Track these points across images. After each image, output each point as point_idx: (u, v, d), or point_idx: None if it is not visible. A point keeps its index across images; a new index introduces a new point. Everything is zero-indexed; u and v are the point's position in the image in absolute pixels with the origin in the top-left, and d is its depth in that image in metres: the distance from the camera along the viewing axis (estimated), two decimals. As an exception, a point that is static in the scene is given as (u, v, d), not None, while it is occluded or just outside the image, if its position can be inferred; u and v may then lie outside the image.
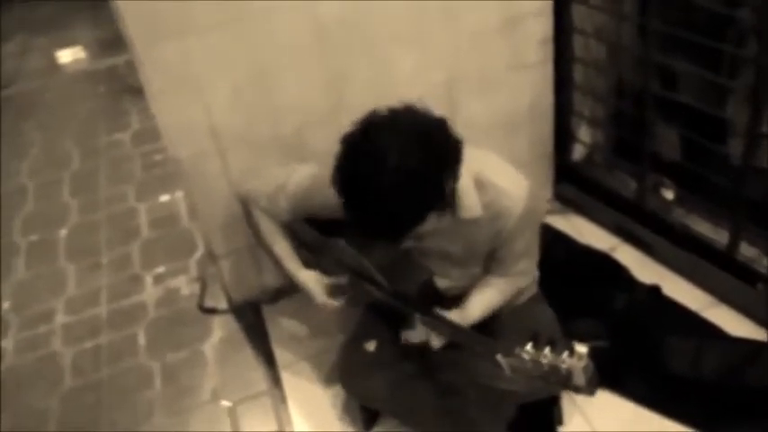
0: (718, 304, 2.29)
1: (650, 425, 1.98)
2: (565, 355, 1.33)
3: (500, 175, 1.64)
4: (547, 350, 1.36)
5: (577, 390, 1.36)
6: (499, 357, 1.45)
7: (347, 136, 1.42)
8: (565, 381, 1.34)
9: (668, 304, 2.30)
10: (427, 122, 1.44)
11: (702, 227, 2.36)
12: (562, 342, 1.36)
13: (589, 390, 1.35)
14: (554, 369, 1.34)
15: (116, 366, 2.53)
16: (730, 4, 2.05)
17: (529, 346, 1.39)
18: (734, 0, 2.05)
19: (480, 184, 1.61)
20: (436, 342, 1.73)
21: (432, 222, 1.57)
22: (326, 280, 1.94)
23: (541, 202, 1.75)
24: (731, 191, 2.13)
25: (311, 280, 1.95)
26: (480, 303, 1.78)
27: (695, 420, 1.95)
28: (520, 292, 1.87)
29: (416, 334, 1.74)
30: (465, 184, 1.59)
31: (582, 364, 1.31)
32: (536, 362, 1.37)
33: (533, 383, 1.54)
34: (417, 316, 1.71)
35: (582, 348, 1.32)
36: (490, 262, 1.78)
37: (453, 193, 1.57)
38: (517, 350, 1.41)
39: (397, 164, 1.34)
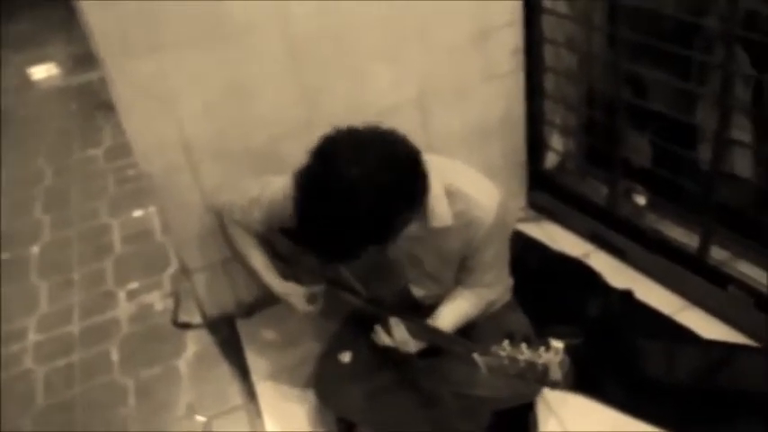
0: (690, 307, 2.31)
1: (626, 429, 1.98)
2: (541, 350, 1.33)
3: (471, 184, 1.66)
4: (523, 346, 1.36)
5: (554, 385, 1.37)
6: (476, 356, 1.45)
7: (311, 162, 1.44)
8: (542, 376, 1.35)
9: (641, 308, 2.32)
10: (392, 148, 1.45)
11: (674, 231, 2.38)
12: (537, 340, 1.37)
13: (566, 384, 1.36)
14: (531, 365, 1.35)
15: (89, 383, 2.50)
16: (697, 12, 2.08)
17: (505, 344, 1.39)
18: (700, 9, 2.08)
19: (451, 194, 1.63)
20: (412, 346, 1.72)
21: (406, 230, 1.59)
22: (303, 290, 1.94)
23: (511, 213, 1.75)
24: (701, 196, 2.15)
25: (291, 291, 1.95)
26: (451, 314, 1.78)
27: (671, 423, 1.96)
28: (491, 304, 1.87)
29: (393, 338, 1.73)
30: (436, 193, 1.61)
31: (558, 358, 1.32)
32: (513, 358, 1.38)
33: (510, 386, 1.55)
34: (395, 318, 1.70)
35: (558, 343, 1.33)
36: (461, 272, 1.79)
37: (424, 202, 1.59)
38: (494, 348, 1.42)
39: (358, 198, 1.37)
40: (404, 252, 1.77)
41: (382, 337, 1.74)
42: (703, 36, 2.11)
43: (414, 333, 1.71)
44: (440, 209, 1.62)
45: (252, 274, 2.00)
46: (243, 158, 2.20)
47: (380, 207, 1.39)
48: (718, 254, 2.25)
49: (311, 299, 1.94)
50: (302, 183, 1.43)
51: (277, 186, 1.83)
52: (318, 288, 1.93)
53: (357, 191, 1.36)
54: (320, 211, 1.40)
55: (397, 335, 1.70)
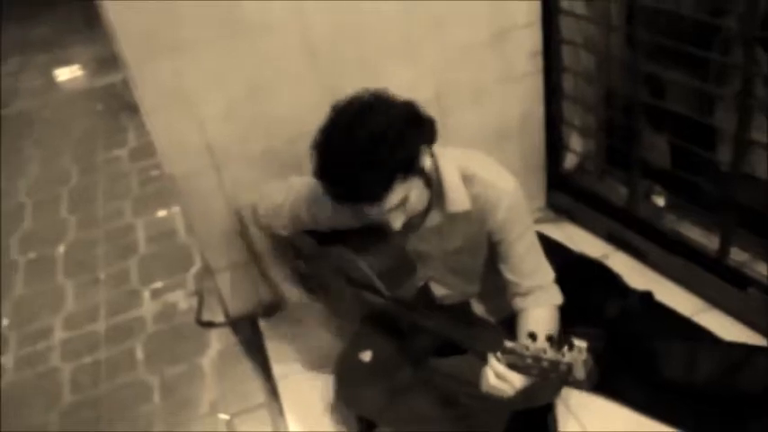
0: (709, 309, 2.31)
1: (645, 430, 1.98)
2: (565, 349, 1.34)
3: (486, 169, 1.69)
4: (547, 345, 1.37)
5: (578, 384, 1.37)
6: (499, 356, 1.46)
7: (320, 126, 1.54)
8: (565, 376, 1.34)
9: (661, 310, 2.31)
10: (388, 98, 1.55)
11: (693, 233, 2.38)
12: (559, 338, 1.37)
13: (589, 384, 1.36)
14: (554, 364, 1.34)
15: (115, 381, 2.55)
16: (716, 13, 2.08)
17: (528, 342, 1.40)
18: (719, 9, 2.08)
19: (467, 179, 1.66)
20: (517, 382, 1.51)
21: (427, 220, 1.68)
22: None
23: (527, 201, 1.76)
24: (721, 197, 2.15)
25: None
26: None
27: (690, 425, 1.96)
28: (557, 309, 1.76)
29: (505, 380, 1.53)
30: (452, 178, 1.65)
31: (582, 357, 1.31)
32: (536, 357, 1.37)
33: (529, 388, 1.55)
34: (492, 357, 1.50)
35: (581, 342, 1.32)
36: (499, 264, 1.77)
37: (441, 187, 1.64)
38: (518, 348, 1.42)
39: (360, 129, 1.46)
40: (425, 244, 1.79)
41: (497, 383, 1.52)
42: (722, 37, 2.10)
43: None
44: (457, 194, 1.66)
45: (267, 279, 2.04)
46: (264, 159, 2.23)
47: (390, 130, 1.47)
48: (737, 255, 2.23)
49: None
50: (326, 127, 1.53)
51: (300, 187, 1.87)
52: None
53: (375, 124, 1.47)
54: (345, 147, 1.47)
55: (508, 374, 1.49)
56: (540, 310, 1.73)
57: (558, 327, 1.73)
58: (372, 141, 1.45)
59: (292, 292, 2.08)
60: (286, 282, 2.06)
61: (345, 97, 1.55)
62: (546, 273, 1.77)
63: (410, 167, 1.52)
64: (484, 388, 1.52)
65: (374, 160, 1.45)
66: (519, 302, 1.74)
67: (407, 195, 1.54)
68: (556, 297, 1.76)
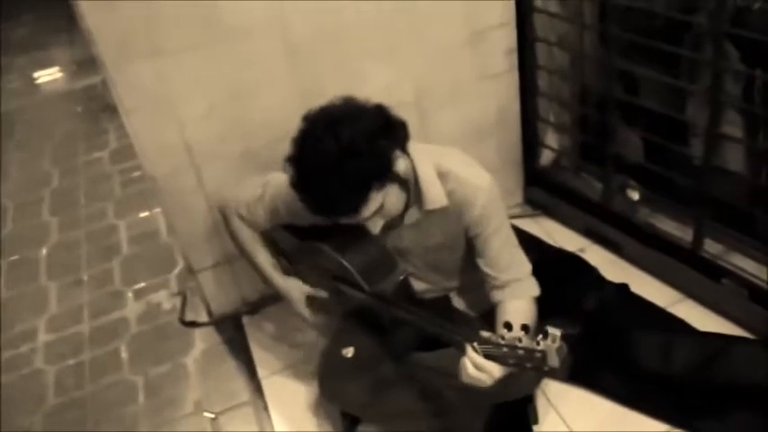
0: (684, 300, 2.35)
1: (625, 421, 2.02)
2: (539, 337, 1.35)
3: (461, 165, 1.71)
4: (522, 334, 1.38)
5: (552, 373, 1.37)
6: (475, 345, 1.47)
7: (293, 137, 1.54)
8: (540, 364, 1.35)
9: (637, 301, 2.35)
10: (358, 106, 1.55)
11: (668, 226, 2.41)
12: (535, 328, 1.40)
13: (563, 372, 1.36)
14: (529, 352, 1.35)
15: (99, 382, 2.55)
16: (686, 10, 2.11)
17: (504, 332, 1.42)
18: (690, 6, 2.11)
19: (442, 175, 1.68)
20: (495, 371, 1.51)
21: (406, 217, 1.69)
22: (307, 289, 1.99)
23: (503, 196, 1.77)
24: (694, 190, 2.19)
25: (292, 289, 2.00)
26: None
27: (668, 415, 2.00)
28: (535, 301, 1.78)
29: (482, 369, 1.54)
30: (428, 175, 1.67)
31: (556, 345, 1.32)
32: (511, 346, 1.38)
33: (510, 378, 1.58)
34: (470, 346, 1.51)
35: (555, 330, 1.34)
36: (478, 267, 1.79)
37: (417, 184, 1.66)
38: (493, 337, 1.44)
39: (331, 142, 1.45)
40: (405, 241, 1.81)
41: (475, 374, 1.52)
42: (693, 33, 2.14)
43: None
44: (433, 191, 1.67)
45: (255, 269, 2.05)
46: (244, 160, 2.25)
47: (361, 140, 1.47)
48: (711, 247, 2.27)
49: (311, 302, 1.99)
50: (298, 139, 1.53)
51: (279, 182, 1.86)
52: (322, 292, 1.97)
53: (346, 136, 1.46)
54: (317, 161, 1.48)
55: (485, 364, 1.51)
56: (517, 301, 1.75)
57: (535, 318, 1.74)
58: (344, 155, 1.45)
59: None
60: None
61: (315, 108, 1.55)
62: (523, 265, 1.79)
63: (384, 176, 1.53)
64: (463, 379, 1.52)
65: (347, 175, 1.46)
66: (496, 295, 1.76)
67: (384, 202, 1.56)
68: (533, 289, 1.78)
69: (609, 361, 2.16)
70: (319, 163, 1.46)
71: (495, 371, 1.49)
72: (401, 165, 1.56)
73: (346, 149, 1.45)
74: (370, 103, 1.55)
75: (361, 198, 1.51)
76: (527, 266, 1.80)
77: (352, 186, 1.48)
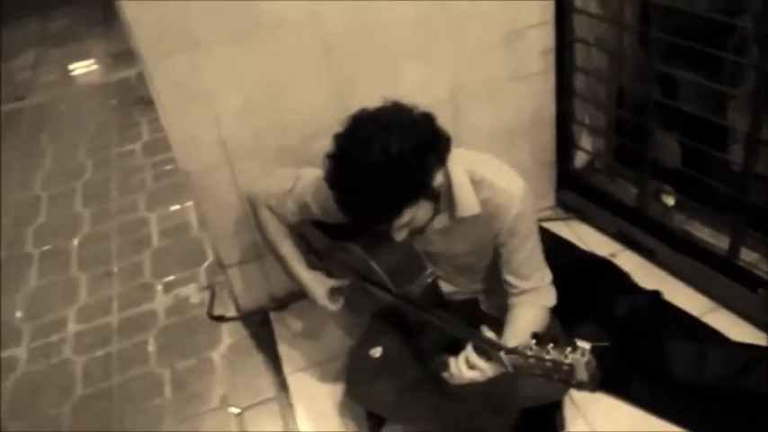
0: (718, 309, 2.31)
1: (653, 430, 1.99)
2: (567, 350, 1.34)
3: (496, 173, 1.68)
4: (550, 346, 1.37)
5: (580, 386, 1.36)
6: (503, 355, 1.47)
7: (336, 133, 1.50)
8: (568, 377, 1.34)
9: (669, 309, 2.32)
10: (410, 115, 1.50)
11: (703, 232, 2.38)
12: (564, 340, 1.38)
13: (592, 386, 1.35)
14: (557, 365, 1.34)
15: (126, 374, 2.57)
16: (731, 12, 2.08)
17: (532, 343, 1.41)
18: (734, 8, 2.07)
19: (476, 183, 1.65)
20: (489, 371, 1.56)
21: (435, 222, 1.66)
22: (329, 282, 1.98)
23: (536, 205, 1.76)
24: (731, 197, 2.15)
25: (313, 281, 2.00)
26: (519, 339, 1.60)
27: (698, 425, 1.97)
28: (547, 310, 1.80)
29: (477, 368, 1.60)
30: (462, 182, 1.64)
31: (585, 359, 1.31)
32: (539, 358, 1.37)
33: (537, 385, 1.56)
34: (469, 347, 1.58)
35: (584, 344, 1.33)
36: (500, 267, 1.78)
37: (450, 191, 1.63)
38: (521, 347, 1.42)
39: (379, 151, 1.41)
40: (433, 245, 1.80)
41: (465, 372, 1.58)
42: (736, 36, 2.10)
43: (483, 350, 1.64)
44: (466, 198, 1.65)
45: (280, 261, 2.05)
46: (278, 157, 2.25)
47: (410, 155, 1.43)
48: (747, 256, 2.24)
49: (335, 293, 1.98)
50: (344, 138, 1.49)
51: (310, 178, 1.86)
52: (344, 282, 1.97)
53: (395, 146, 1.42)
54: (361, 165, 1.44)
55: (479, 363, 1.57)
56: (530, 309, 1.75)
57: (545, 326, 1.75)
58: (391, 166, 1.41)
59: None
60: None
61: (364, 109, 1.52)
62: (544, 275, 1.78)
63: (424, 192, 1.51)
64: (454, 374, 1.58)
65: (389, 186, 1.43)
66: (512, 300, 1.76)
67: (415, 216, 1.54)
68: (549, 299, 1.78)
69: (639, 369, 2.13)
70: (364, 169, 1.43)
71: (488, 370, 1.53)
72: (439, 178, 1.53)
73: (395, 161, 1.42)
74: (419, 112, 1.52)
75: (396, 210, 1.49)
76: (548, 276, 1.80)
77: (391, 198, 1.46)
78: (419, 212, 1.55)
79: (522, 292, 1.74)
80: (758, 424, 1.93)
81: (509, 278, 1.75)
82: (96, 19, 6.16)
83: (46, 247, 3.42)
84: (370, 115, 1.50)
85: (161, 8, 1.92)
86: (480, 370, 1.53)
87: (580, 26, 2.43)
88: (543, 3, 2.35)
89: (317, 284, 1.99)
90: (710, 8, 2.14)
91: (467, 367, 1.55)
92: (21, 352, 2.77)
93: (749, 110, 2.01)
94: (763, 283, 2.17)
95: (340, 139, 1.49)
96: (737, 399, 2.00)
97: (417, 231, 1.68)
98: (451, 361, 1.60)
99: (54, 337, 2.82)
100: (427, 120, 1.51)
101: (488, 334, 1.52)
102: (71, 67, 5.68)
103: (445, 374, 1.63)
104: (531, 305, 1.75)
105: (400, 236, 1.60)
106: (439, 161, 1.53)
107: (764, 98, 1.95)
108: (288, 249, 2.02)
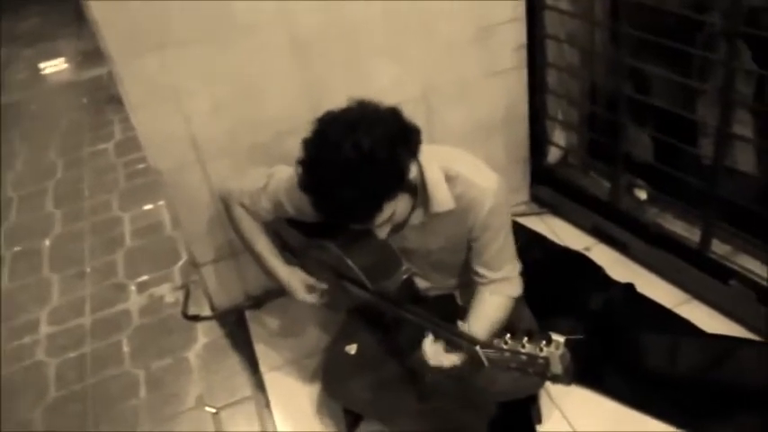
0: (691, 301, 2.34)
1: (629, 422, 2.01)
2: (542, 343, 1.35)
3: (469, 168, 1.69)
4: (525, 340, 1.38)
5: (555, 379, 1.38)
6: (478, 349, 1.48)
7: (305, 138, 1.50)
8: (543, 370, 1.36)
9: (643, 301, 2.34)
10: (375, 111, 1.51)
11: (675, 226, 2.40)
12: (539, 334, 1.39)
13: (566, 379, 1.37)
14: (532, 358, 1.37)
15: (101, 375, 2.54)
16: (699, 9, 2.10)
17: (507, 337, 1.42)
18: (703, 5, 2.10)
19: (450, 178, 1.66)
20: (453, 359, 1.62)
21: (411, 218, 1.67)
22: (307, 277, 1.97)
23: (509, 197, 1.78)
24: (703, 190, 2.17)
25: (291, 276, 1.98)
26: (480, 323, 1.71)
27: (673, 416, 1.99)
28: (513, 300, 1.82)
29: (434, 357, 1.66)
30: (436, 178, 1.64)
31: (559, 352, 1.33)
32: (515, 352, 1.39)
33: (513, 379, 1.57)
34: (429, 337, 1.65)
35: (558, 337, 1.35)
36: (470, 259, 1.80)
37: (424, 187, 1.64)
38: (496, 341, 1.44)
39: (350, 149, 1.41)
40: (408, 242, 1.80)
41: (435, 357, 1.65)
42: (705, 32, 2.12)
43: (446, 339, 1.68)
44: (440, 194, 1.66)
45: (257, 258, 2.04)
46: (250, 154, 2.24)
47: (381, 150, 1.43)
48: (719, 248, 2.26)
49: (312, 288, 1.97)
50: (313, 141, 1.49)
51: (284, 175, 1.86)
52: (323, 284, 1.96)
53: (364, 143, 1.42)
54: (333, 167, 1.44)
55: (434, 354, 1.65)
56: (496, 296, 1.77)
57: (508, 315, 1.78)
58: (364, 163, 1.41)
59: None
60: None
61: (330, 111, 1.52)
62: (513, 266, 1.81)
63: (400, 185, 1.51)
64: (426, 360, 1.63)
65: (365, 183, 1.43)
66: (480, 288, 1.78)
67: (395, 210, 1.54)
68: (516, 289, 1.81)
69: (614, 361, 2.15)
70: (338, 171, 1.42)
71: (455, 360, 1.60)
72: (413, 171, 1.54)
73: (367, 158, 1.41)
74: (385, 107, 1.52)
75: (375, 207, 1.49)
76: (518, 267, 1.82)
77: (369, 196, 1.46)
78: (399, 206, 1.55)
79: (491, 282, 1.76)
80: (731, 414, 1.95)
81: (480, 269, 1.77)
82: (67, 18, 6.11)
83: (17, 248, 3.38)
84: (337, 116, 1.50)
85: (129, 8, 1.90)
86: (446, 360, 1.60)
87: (552, 23, 2.44)
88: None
89: (295, 279, 1.98)
90: (680, 4, 2.16)
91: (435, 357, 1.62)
92: (-7, 355, 2.74)
93: (718, 104, 2.03)
94: (735, 274, 2.20)
95: (309, 144, 1.49)
96: (711, 389, 2.02)
97: (399, 227, 1.69)
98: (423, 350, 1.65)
99: (26, 339, 2.79)
100: (394, 114, 1.52)
101: (464, 328, 1.52)
102: (42, 65, 5.63)
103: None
104: (499, 294, 1.78)
105: (383, 233, 1.60)
106: (410, 153, 1.53)
107: (732, 93, 1.98)
108: (263, 245, 2.01)
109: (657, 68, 2.24)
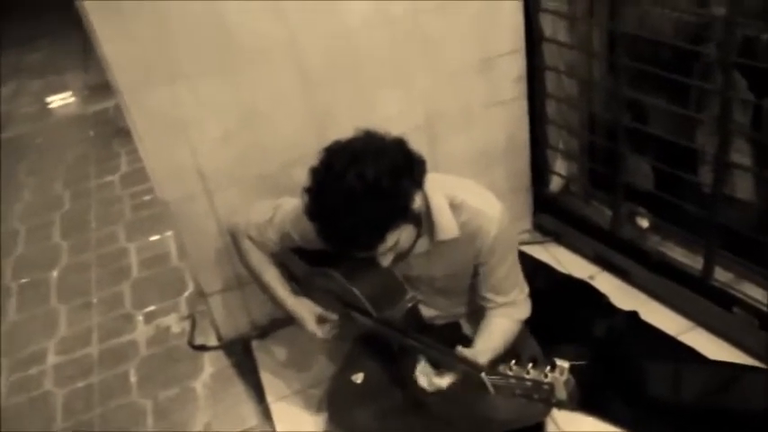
0: (695, 328, 2.34)
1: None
2: (547, 369, 1.36)
3: (474, 196, 1.72)
4: (529, 366, 1.40)
5: (560, 405, 1.39)
6: (483, 376, 1.49)
7: (312, 167, 1.53)
8: (547, 396, 1.37)
9: (647, 329, 2.34)
10: (381, 141, 1.54)
11: (677, 253, 2.41)
12: (543, 360, 1.41)
13: (571, 405, 1.38)
14: (536, 384, 1.37)
15: (108, 405, 2.55)
16: (695, 40, 2.13)
17: (512, 364, 1.43)
18: (698, 36, 2.13)
19: (455, 206, 1.69)
20: (446, 380, 1.69)
21: (416, 246, 1.69)
22: (317, 309, 1.99)
23: (513, 225, 1.82)
24: (704, 218, 2.18)
25: (300, 307, 2.00)
26: (487, 345, 1.74)
27: (676, 444, 1.98)
28: (520, 323, 1.85)
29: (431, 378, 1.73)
30: (441, 207, 1.68)
31: (563, 378, 1.34)
32: (519, 378, 1.40)
33: (518, 407, 1.58)
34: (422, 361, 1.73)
35: (563, 363, 1.35)
36: (477, 285, 1.82)
37: (429, 215, 1.66)
38: (501, 368, 1.45)
39: (354, 179, 1.44)
40: (413, 269, 1.82)
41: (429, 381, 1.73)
42: (702, 62, 2.16)
43: (442, 362, 1.72)
44: (445, 222, 1.69)
45: (265, 289, 2.06)
46: (257, 185, 2.27)
47: (385, 180, 1.46)
48: (721, 275, 2.27)
49: (322, 320, 1.98)
50: (319, 171, 1.53)
51: (289, 207, 1.89)
52: (333, 315, 1.97)
53: (370, 174, 1.45)
54: (338, 196, 1.47)
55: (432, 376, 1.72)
56: (504, 319, 1.80)
57: (513, 339, 1.80)
58: (368, 193, 1.44)
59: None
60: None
61: (337, 140, 1.55)
62: (521, 289, 1.84)
63: (404, 216, 1.54)
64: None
65: (369, 213, 1.46)
66: (488, 312, 1.82)
67: (399, 239, 1.57)
68: (523, 312, 1.84)
69: (618, 389, 2.14)
70: (341, 199, 1.46)
71: (449, 380, 1.67)
72: (417, 201, 1.56)
73: (371, 188, 1.44)
74: (390, 137, 1.55)
75: (379, 236, 1.52)
76: (525, 289, 1.85)
77: (372, 225, 1.48)
78: (402, 236, 1.57)
79: (499, 306, 1.79)
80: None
81: (488, 294, 1.80)
82: (74, 51, 6.17)
83: (24, 280, 3.40)
84: (344, 146, 1.53)
85: (138, 41, 1.94)
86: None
87: (550, 54, 2.48)
88: (513, 31, 2.40)
89: (305, 311, 1.99)
90: (676, 36, 2.20)
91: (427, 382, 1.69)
92: (0, 386, 2.75)
93: (716, 133, 2.06)
94: (738, 302, 2.20)
95: (316, 173, 1.52)
96: (715, 417, 2.02)
97: (402, 256, 1.71)
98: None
99: (34, 370, 2.80)
100: (399, 144, 1.55)
101: (467, 354, 1.54)
102: (48, 99, 5.68)
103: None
104: (507, 317, 1.81)
105: (386, 261, 1.62)
106: (415, 184, 1.55)
107: (729, 122, 2.00)
108: (272, 276, 2.03)
109: (655, 98, 2.27)
